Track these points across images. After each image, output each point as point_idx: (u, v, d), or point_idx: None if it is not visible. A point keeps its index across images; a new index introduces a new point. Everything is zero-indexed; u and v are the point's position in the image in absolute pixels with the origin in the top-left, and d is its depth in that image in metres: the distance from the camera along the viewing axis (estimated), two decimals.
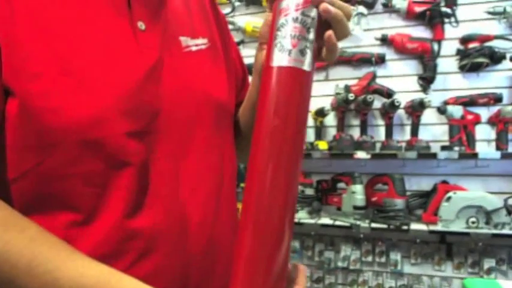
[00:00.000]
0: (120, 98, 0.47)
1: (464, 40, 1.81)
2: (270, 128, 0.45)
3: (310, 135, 2.02)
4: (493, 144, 1.77)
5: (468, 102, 1.80)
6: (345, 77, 1.98)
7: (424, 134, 1.85)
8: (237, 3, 2.14)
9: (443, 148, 1.77)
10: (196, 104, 0.56)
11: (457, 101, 1.80)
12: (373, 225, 1.75)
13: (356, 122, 1.99)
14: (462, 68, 1.82)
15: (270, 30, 0.49)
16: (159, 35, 0.54)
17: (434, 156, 1.72)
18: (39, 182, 0.46)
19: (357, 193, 1.78)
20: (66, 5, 0.48)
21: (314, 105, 1.92)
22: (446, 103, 1.82)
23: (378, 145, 1.88)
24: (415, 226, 1.71)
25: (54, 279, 0.41)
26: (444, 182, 1.81)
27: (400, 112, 1.91)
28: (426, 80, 1.86)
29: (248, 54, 2.09)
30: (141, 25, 0.52)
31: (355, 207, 1.79)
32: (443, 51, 1.86)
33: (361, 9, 1.89)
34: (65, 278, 0.41)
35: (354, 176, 1.80)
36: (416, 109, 1.80)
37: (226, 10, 2.10)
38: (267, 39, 0.52)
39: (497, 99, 1.78)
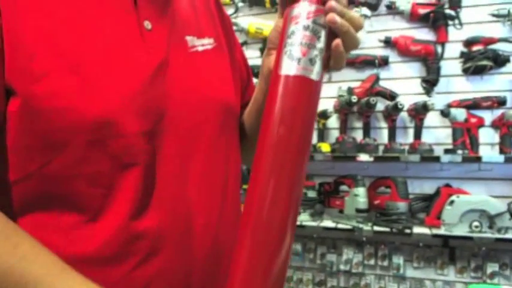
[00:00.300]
0: (127, 98, 0.47)
1: (468, 43, 1.80)
2: (275, 137, 0.45)
3: (312, 137, 2.01)
4: (497, 147, 1.76)
5: (472, 105, 1.79)
6: (348, 79, 1.97)
7: (427, 137, 1.84)
8: (240, 4, 2.14)
9: (447, 151, 1.76)
10: (203, 105, 0.56)
11: (461, 104, 1.80)
12: (376, 228, 1.74)
13: (359, 124, 1.98)
14: (466, 71, 1.81)
15: (280, 37, 0.48)
16: (165, 35, 0.54)
17: (437, 159, 1.71)
18: (44, 182, 0.46)
19: (360, 196, 1.77)
20: (71, 4, 0.47)
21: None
22: (449, 106, 1.82)
23: (381, 148, 1.87)
24: (417, 230, 1.70)
25: None
26: (447, 185, 1.80)
27: (403, 115, 1.90)
28: (429, 83, 1.86)
29: (251, 55, 2.09)
30: (147, 24, 0.52)
31: (358, 210, 1.78)
32: (446, 54, 1.85)
33: (365, 11, 1.88)
34: None
35: (357, 179, 1.79)
36: (419, 112, 1.79)
37: (229, 11, 2.09)
38: (275, 44, 0.52)
39: (501, 102, 1.77)
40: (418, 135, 1.82)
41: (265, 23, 2.08)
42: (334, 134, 2.01)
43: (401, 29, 1.92)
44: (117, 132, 0.46)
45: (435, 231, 1.68)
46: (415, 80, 1.91)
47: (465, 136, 1.74)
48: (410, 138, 1.87)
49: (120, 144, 0.47)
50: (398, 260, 1.88)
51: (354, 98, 1.80)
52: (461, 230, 1.66)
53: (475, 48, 1.78)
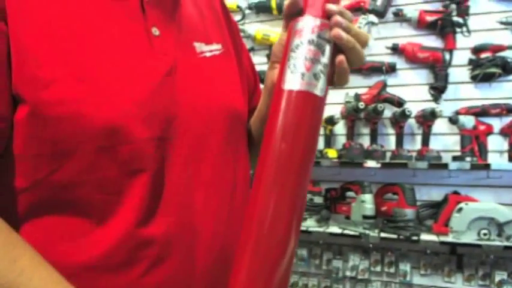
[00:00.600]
0: (136, 104, 0.47)
1: (477, 50, 1.80)
2: (277, 153, 0.44)
3: (319, 143, 2.01)
4: (506, 155, 1.75)
5: (480, 112, 1.78)
6: (355, 86, 1.97)
7: (435, 144, 1.83)
8: (247, 11, 2.16)
9: (455, 158, 1.75)
10: (211, 111, 0.55)
11: (469, 111, 1.79)
12: (383, 235, 1.73)
13: (366, 130, 1.98)
14: (474, 78, 1.81)
15: (284, 50, 0.48)
16: (173, 41, 0.54)
17: (445, 166, 1.71)
18: (52, 189, 0.46)
19: (367, 202, 1.76)
20: (78, 11, 0.47)
21: (324, 113, 1.91)
22: (458, 113, 1.81)
23: (388, 154, 1.87)
24: (425, 237, 1.69)
25: None
26: (455, 192, 1.79)
27: (411, 121, 1.89)
28: (437, 90, 1.85)
29: (258, 61, 2.11)
30: (155, 31, 0.52)
31: (365, 217, 1.77)
32: (455, 61, 1.85)
33: (372, 18, 1.89)
34: None
35: (364, 185, 1.79)
36: (427, 119, 1.78)
37: (236, 18, 2.11)
38: (278, 58, 0.52)
39: (509, 109, 1.76)
40: (426, 142, 1.82)
41: (272, 30, 2.09)
42: (341, 140, 2.01)
43: (408, 36, 1.93)
44: (125, 139, 0.46)
45: (443, 238, 1.66)
46: (423, 87, 1.91)
47: (473, 143, 1.73)
48: (418, 145, 1.87)
49: (128, 150, 0.46)
50: (405, 267, 1.87)
51: (361, 105, 1.80)
52: (469, 238, 1.64)
53: (484, 55, 1.77)
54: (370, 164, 1.79)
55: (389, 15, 1.94)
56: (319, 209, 1.90)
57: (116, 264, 0.46)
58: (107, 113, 0.45)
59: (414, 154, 1.82)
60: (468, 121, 1.74)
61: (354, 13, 1.92)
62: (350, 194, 1.90)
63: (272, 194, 0.43)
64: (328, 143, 1.99)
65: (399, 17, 1.91)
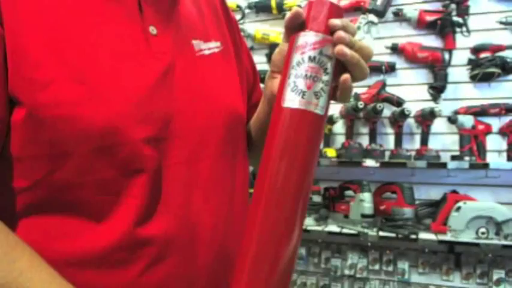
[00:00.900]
0: (133, 104, 0.47)
1: (476, 50, 1.80)
2: (275, 171, 0.43)
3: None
4: (504, 154, 1.75)
5: (479, 112, 1.79)
6: (354, 85, 1.96)
7: (434, 143, 1.84)
8: (246, 10, 2.16)
9: (454, 158, 1.76)
10: (210, 110, 0.55)
11: (468, 111, 1.79)
12: (381, 233, 1.74)
13: (365, 130, 1.98)
14: (473, 78, 1.81)
15: (284, 65, 0.46)
16: (171, 39, 0.53)
17: (444, 165, 1.71)
18: (50, 190, 0.46)
19: (365, 201, 1.77)
20: (74, 12, 0.47)
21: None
22: (457, 113, 1.81)
23: (387, 153, 1.87)
24: (423, 235, 1.69)
25: None
26: (454, 191, 1.79)
27: (410, 121, 1.90)
28: (437, 89, 1.85)
29: (257, 60, 2.11)
30: (152, 29, 0.51)
31: (363, 215, 1.78)
32: (454, 61, 1.85)
33: (372, 17, 1.89)
34: None
35: (363, 184, 1.79)
36: (426, 118, 1.79)
37: (236, 17, 2.11)
38: (278, 67, 0.51)
39: (508, 109, 1.77)
40: (424, 141, 1.82)
41: (271, 29, 2.10)
42: (340, 140, 2.01)
43: (408, 36, 1.93)
44: (122, 140, 0.46)
45: (441, 237, 1.67)
46: (422, 87, 1.91)
47: (472, 143, 1.73)
48: (416, 145, 1.87)
49: (126, 151, 0.46)
50: (403, 265, 1.88)
51: (361, 104, 1.81)
52: (467, 236, 1.65)
53: (483, 55, 1.77)
54: (369, 163, 1.79)
55: (389, 15, 1.94)
56: (318, 207, 1.90)
57: (114, 262, 0.46)
58: (103, 114, 0.45)
59: (413, 153, 1.83)
60: (467, 121, 1.74)
61: (353, 13, 1.93)
62: (349, 193, 1.91)
63: (271, 214, 0.43)
64: (327, 142, 1.99)
65: (399, 16, 1.91)
